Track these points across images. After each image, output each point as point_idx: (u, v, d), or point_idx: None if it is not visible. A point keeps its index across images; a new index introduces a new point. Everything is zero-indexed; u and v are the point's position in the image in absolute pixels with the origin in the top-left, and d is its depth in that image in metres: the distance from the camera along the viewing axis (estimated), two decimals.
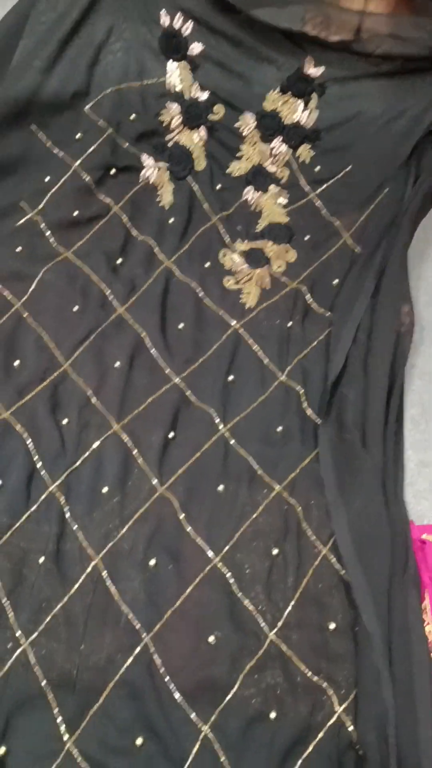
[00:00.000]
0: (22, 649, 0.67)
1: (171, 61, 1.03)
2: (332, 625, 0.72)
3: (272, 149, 1.05)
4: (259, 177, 1.05)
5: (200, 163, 1.05)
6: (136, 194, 1.02)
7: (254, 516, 0.79)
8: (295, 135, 1.05)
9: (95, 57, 1.01)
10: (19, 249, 0.94)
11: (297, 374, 0.91)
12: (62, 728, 0.64)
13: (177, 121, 1.04)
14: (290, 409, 0.88)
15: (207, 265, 0.99)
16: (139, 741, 0.64)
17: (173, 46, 1.02)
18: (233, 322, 0.95)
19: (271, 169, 1.05)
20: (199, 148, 1.05)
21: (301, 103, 1.04)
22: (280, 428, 0.86)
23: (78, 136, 1.01)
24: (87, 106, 1.01)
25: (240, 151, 1.05)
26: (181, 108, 1.04)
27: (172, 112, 1.04)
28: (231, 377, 0.90)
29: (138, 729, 0.65)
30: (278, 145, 1.05)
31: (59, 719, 0.64)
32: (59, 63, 0.99)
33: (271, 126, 1.05)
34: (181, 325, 0.94)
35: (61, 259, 0.95)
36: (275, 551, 0.76)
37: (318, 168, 1.05)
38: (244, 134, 1.05)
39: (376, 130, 1.02)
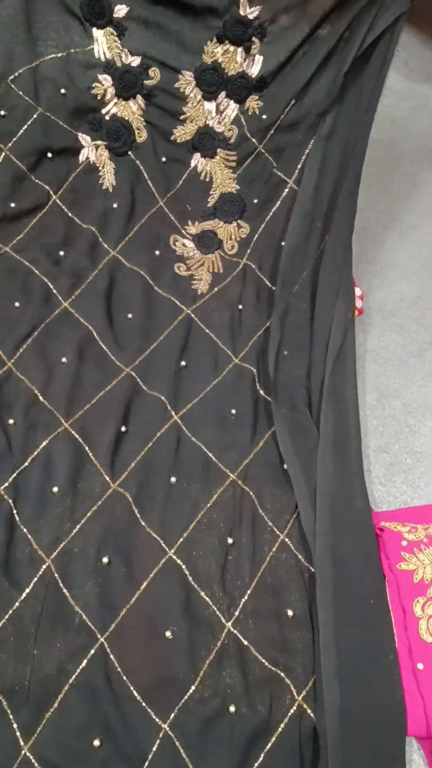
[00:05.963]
0: None
1: (95, 28, 0.95)
2: (290, 613, 0.72)
3: (218, 105, 0.98)
4: (206, 140, 0.98)
5: (141, 135, 1.00)
6: (77, 178, 0.98)
7: (208, 506, 0.78)
8: (240, 87, 0.96)
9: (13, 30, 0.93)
10: None
11: (251, 356, 0.89)
12: (18, 734, 0.64)
13: (111, 92, 0.98)
14: (243, 391, 0.86)
15: (157, 253, 0.96)
16: (96, 742, 0.64)
17: (96, 10, 0.93)
18: (185, 307, 0.92)
19: (219, 129, 0.98)
20: (138, 118, 0.99)
21: (241, 51, 0.95)
22: (233, 411, 0.85)
23: (2, 113, 0.95)
24: (9, 79, 0.95)
25: (183, 114, 0.98)
26: (113, 78, 0.97)
27: (105, 84, 0.97)
28: (183, 363, 0.88)
29: (95, 730, 0.64)
30: (223, 101, 0.97)
31: (15, 725, 0.64)
32: None
33: (213, 81, 0.96)
34: (129, 315, 0.91)
35: None
36: (230, 540, 0.75)
37: (265, 116, 0.98)
38: (185, 94, 0.97)
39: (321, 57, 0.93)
